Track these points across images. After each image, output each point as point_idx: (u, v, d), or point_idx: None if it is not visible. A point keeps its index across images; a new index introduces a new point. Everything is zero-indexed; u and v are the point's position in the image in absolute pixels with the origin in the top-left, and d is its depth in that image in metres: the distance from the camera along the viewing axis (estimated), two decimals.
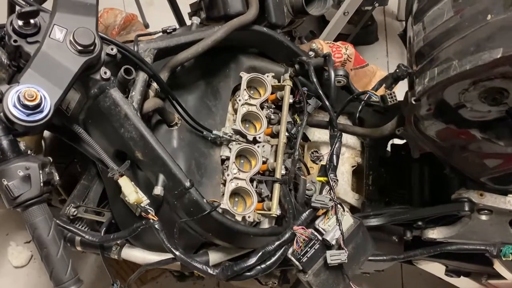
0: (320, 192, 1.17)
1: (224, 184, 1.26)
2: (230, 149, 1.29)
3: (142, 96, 1.10)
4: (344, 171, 1.54)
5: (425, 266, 1.67)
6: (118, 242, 1.21)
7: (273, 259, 1.07)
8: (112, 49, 1.04)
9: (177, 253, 1.06)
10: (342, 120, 1.52)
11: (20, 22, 0.94)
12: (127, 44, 1.19)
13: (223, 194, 1.24)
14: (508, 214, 1.20)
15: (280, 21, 1.38)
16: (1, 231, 2.20)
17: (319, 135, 1.55)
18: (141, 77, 1.11)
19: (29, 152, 0.92)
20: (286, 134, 1.32)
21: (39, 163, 0.88)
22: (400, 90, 1.24)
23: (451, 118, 0.91)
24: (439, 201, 1.35)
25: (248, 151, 1.30)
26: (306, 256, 1.10)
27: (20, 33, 0.94)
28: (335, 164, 1.18)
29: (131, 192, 1.06)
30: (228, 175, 1.24)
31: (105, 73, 1.02)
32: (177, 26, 2.02)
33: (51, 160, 0.93)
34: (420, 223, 1.29)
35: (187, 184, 1.07)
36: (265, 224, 1.28)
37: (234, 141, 1.30)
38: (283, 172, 1.28)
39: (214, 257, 1.22)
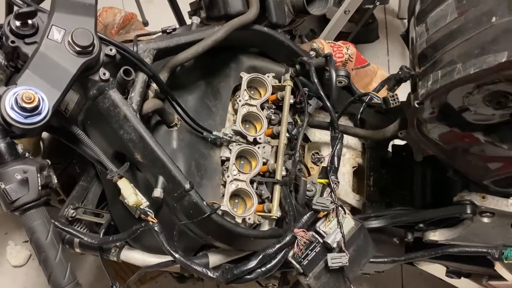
0: (321, 194, 1.16)
1: (224, 185, 1.24)
2: (230, 150, 1.28)
3: (142, 97, 1.09)
4: (345, 172, 1.53)
5: (425, 267, 1.67)
6: (117, 244, 1.20)
7: (274, 262, 1.07)
8: (111, 50, 1.03)
9: (176, 255, 1.06)
10: (343, 120, 1.51)
11: (18, 23, 0.92)
12: (127, 44, 1.18)
13: (223, 196, 1.23)
14: (510, 217, 1.19)
15: (281, 21, 1.37)
16: (0, 231, 2.19)
17: (320, 135, 1.54)
18: (141, 78, 1.10)
19: (27, 154, 0.91)
20: (287, 135, 1.31)
21: (37, 166, 0.87)
22: (402, 91, 1.23)
23: (455, 121, 0.90)
24: (440, 203, 1.35)
25: (249, 152, 1.28)
26: (307, 259, 1.09)
27: (18, 33, 0.93)
28: (336, 166, 1.17)
29: (130, 194, 1.05)
30: (228, 176, 1.23)
31: (104, 74, 1.01)
32: (177, 25, 2.02)
33: (49, 162, 0.92)
34: (421, 225, 1.28)
35: (187, 186, 1.06)
36: (265, 226, 1.27)
37: (234, 142, 1.29)
38: (284, 173, 1.27)
39: (214, 259, 1.21)
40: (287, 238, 1.07)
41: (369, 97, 1.15)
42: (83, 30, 0.95)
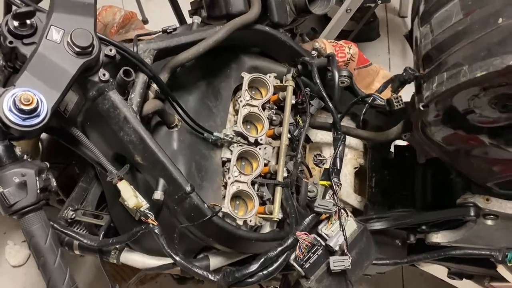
0: (323, 197, 1.14)
1: (225, 187, 1.23)
2: (231, 151, 1.27)
3: (142, 98, 1.08)
4: (346, 173, 1.52)
5: (427, 268, 1.66)
6: (117, 246, 1.19)
7: (275, 265, 1.05)
8: (111, 50, 1.01)
9: (177, 258, 1.04)
10: (345, 121, 1.49)
11: (16, 23, 0.90)
12: (126, 43, 1.16)
13: (224, 197, 1.22)
14: None
15: (282, 20, 1.35)
16: None
17: (321, 135, 1.53)
18: (141, 78, 1.08)
19: (25, 157, 0.89)
20: (288, 136, 1.30)
21: (35, 169, 0.86)
22: (406, 92, 1.22)
23: (460, 124, 0.88)
24: (442, 204, 1.34)
25: (250, 153, 1.27)
26: (309, 262, 1.08)
27: (16, 34, 0.91)
28: (338, 168, 1.15)
29: (130, 196, 1.04)
30: (229, 178, 1.22)
31: (104, 75, 1.00)
32: (177, 24, 2.00)
33: (48, 165, 0.91)
34: (424, 227, 1.27)
35: (188, 188, 1.05)
36: (267, 228, 1.26)
37: (235, 143, 1.28)
38: (285, 174, 1.26)
39: (215, 261, 1.20)
40: (289, 241, 1.06)
41: (372, 98, 1.14)
42: (82, 31, 0.93)
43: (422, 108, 0.87)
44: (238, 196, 1.24)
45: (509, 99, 0.82)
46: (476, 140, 0.91)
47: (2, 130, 0.84)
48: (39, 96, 0.85)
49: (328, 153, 1.53)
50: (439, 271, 1.65)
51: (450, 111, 0.87)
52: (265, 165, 1.27)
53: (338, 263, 1.07)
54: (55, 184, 0.90)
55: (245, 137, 1.28)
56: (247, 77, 1.34)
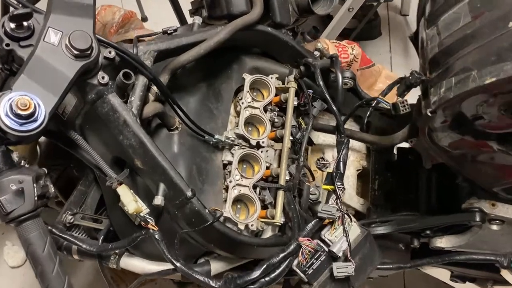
0: (327, 201, 1.12)
1: (226, 190, 1.21)
2: (232, 154, 1.25)
3: (142, 101, 1.06)
4: (349, 175, 1.50)
5: (429, 271, 1.65)
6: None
7: (278, 271, 1.04)
8: (110, 52, 0.99)
9: (178, 264, 1.02)
10: (348, 123, 1.47)
11: (13, 25, 0.88)
12: (126, 44, 1.14)
13: (225, 200, 1.20)
14: None
15: (285, 21, 1.33)
16: None
17: (324, 137, 1.51)
18: (141, 81, 1.06)
19: (22, 162, 0.88)
20: (291, 138, 1.28)
21: (33, 175, 0.84)
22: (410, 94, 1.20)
23: (468, 129, 0.86)
24: (447, 208, 1.32)
25: (251, 156, 1.25)
26: (312, 268, 1.07)
27: (13, 36, 0.88)
28: (342, 172, 1.14)
29: (130, 201, 1.02)
30: (230, 181, 1.20)
31: (103, 78, 0.97)
32: (177, 22, 1.98)
33: (46, 171, 0.89)
34: (428, 231, 1.25)
35: (189, 193, 1.03)
36: (268, 232, 1.24)
37: (237, 145, 1.26)
38: (287, 177, 1.24)
39: (216, 266, 1.18)
40: (292, 247, 1.05)
41: (377, 101, 1.11)
42: (81, 33, 0.91)
43: (429, 114, 0.84)
44: (239, 200, 1.22)
45: None
46: (484, 146, 0.89)
47: None
48: (36, 101, 0.83)
49: (330, 154, 1.52)
50: (441, 274, 1.63)
51: (458, 117, 0.85)
52: (267, 168, 1.25)
53: (341, 269, 1.05)
54: (53, 190, 0.88)
55: (246, 140, 1.26)
56: (248, 78, 1.32)
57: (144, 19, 2.79)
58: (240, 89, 1.36)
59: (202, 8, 1.35)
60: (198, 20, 1.28)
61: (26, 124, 0.82)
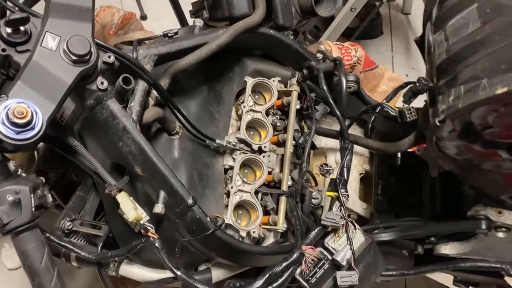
0: (330, 208, 1.10)
1: (228, 195, 1.19)
2: (234, 159, 1.23)
3: (142, 107, 1.03)
4: (351, 179, 1.47)
5: (432, 275, 1.63)
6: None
7: (280, 280, 1.02)
8: (109, 57, 0.96)
9: (178, 273, 1.00)
10: (351, 127, 1.45)
11: (9, 30, 0.85)
12: (126, 47, 1.12)
13: (226, 206, 1.18)
14: None
15: (288, 23, 1.30)
16: None
17: (326, 141, 1.48)
18: (141, 86, 1.03)
19: (19, 171, 0.85)
20: (293, 142, 1.26)
21: (30, 185, 0.81)
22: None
23: (477, 139, 0.84)
24: (451, 213, 1.30)
25: (253, 161, 1.23)
26: (315, 277, 1.05)
27: (9, 41, 0.86)
28: (345, 178, 1.11)
29: (130, 209, 1.00)
30: (232, 187, 1.18)
31: (102, 83, 0.95)
32: (177, 21, 1.95)
33: (43, 180, 0.86)
34: (432, 238, 1.23)
35: (190, 201, 1.01)
36: (270, 238, 1.22)
37: (238, 150, 1.23)
38: (290, 183, 1.22)
39: (217, 274, 1.16)
40: (295, 256, 1.03)
41: (382, 107, 1.09)
42: (79, 38, 0.88)
43: (438, 124, 0.82)
44: (241, 206, 1.20)
45: None
46: (493, 154, 0.87)
47: None
48: (33, 108, 0.80)
49: (333, 158, 1.49)
50: (444, 278, 1.62)
51: (467, 126, 0.83)
52: (269, 173, 1.23)
53: (345, 278, 1.03)
54: (51, 200, 0.87)
55: (248, 144, 1.24)
56: (250, 81, 1.30)
57: (144, 17, 2.77)
58: (241, 92, 1.33)
59: (203, 10, 1.32)
60: (199, 22, 1.26)
61: (23, 132, 0.80)
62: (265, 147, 1.24)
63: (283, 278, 1.02)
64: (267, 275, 1.00)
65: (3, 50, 0.86)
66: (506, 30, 0.81)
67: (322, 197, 1.37)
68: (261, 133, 1.30)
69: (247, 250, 1.08)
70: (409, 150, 1.19)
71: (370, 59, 1.63)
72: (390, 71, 1.75)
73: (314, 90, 1.32)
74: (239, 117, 1.30)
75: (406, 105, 1.00)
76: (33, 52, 0.86)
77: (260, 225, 1.17)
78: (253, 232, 1.15)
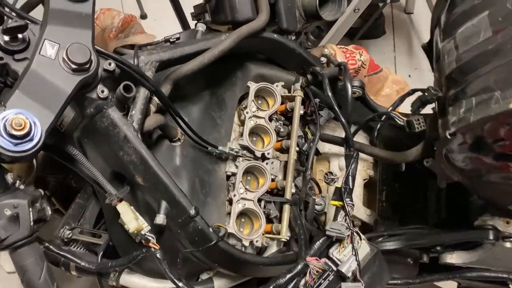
0: (335, 217, 1.08)
1: (230, 202, 1.17)
2: (236, 166, 1.20)
3: (143, 115, 1.01)
4: (355, 185, 1.45)
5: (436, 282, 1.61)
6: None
7: None
8: (110, 64, 0.93)
9: (180, 284, 0.99)
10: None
11: (6, 37, 0.82)
12: (126, 51, 1.09)
13: (229, 213, 1.15)
14: None
15: (291, 27, 1.28)
16: None
17: (329, 146, 1.46)
18: (142, 93, 1.01)
19: (17, 183, 0.83)
20: (297, 149, 1.24)
21: (28, 199, 0.79)
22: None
23: (488, 151, 0.82)
24: (456, 221, 1.28)
25: (256, 168, 1.21)
26: None
27: (6, 49, 0.83)
28: (351, 187, 1.09)
29: (130, 219, 0.97)
30: (234, 195, 1.15)
31: (102, 91, 0.92)
32: (177, 21, 1.92)
33: (42, 193, 0.84)
34: (438, 247, 1.21)
35: (192, 212, 0.99)
36: (273, 247, 1.20)
37: (241, 156, 1.21)
38: (293, 190, 1.19)
39: (219, 284, 1.14)
40: (299, 267, 1.00)
41: (389, 115, 1.07)
42: (79, 46, 0.85)
43: (449, 137, 0.80)
44: (243, 214, 1.18)
45: None
46: (505, 167, 0.84)
47: None
48: (32, 119, 0.77)
49: (336, 163, 1.47)
50: (447, 284, 1.60)
51: (478, 140, 0.80)
52: (272, 180, 1.21)
53: None
54: (50, 213, 0.84)
55: (251, 151, 1.22)
56: (253, 86, 1.27)
57: (144, 16, 2.74)
58: (244, 97, 1.31)
59: (205, 13, 1.29)
60: (201, 27, 1.23)
61: (21, 144, 0.77)
62: (268, 153, 1.22)
63: None
64: (271, 287, 0.98)
65: (1, 58, 0.83)
66: None
67: (325, 203, 1.35)
68: (264, 139, 1.27)
69: (250, 261, 1.06)
70: None
71: (375, 62, 1.61)
72: (394, 73, 1.72)
73: (318, 95, 1.29)
74: (242, 123, 1.27)
75: (415, 115, 0.97)
76: (31, 60, 0.83)
77: (263, 234, 1.15)
78: (256, 241, 1.13)
